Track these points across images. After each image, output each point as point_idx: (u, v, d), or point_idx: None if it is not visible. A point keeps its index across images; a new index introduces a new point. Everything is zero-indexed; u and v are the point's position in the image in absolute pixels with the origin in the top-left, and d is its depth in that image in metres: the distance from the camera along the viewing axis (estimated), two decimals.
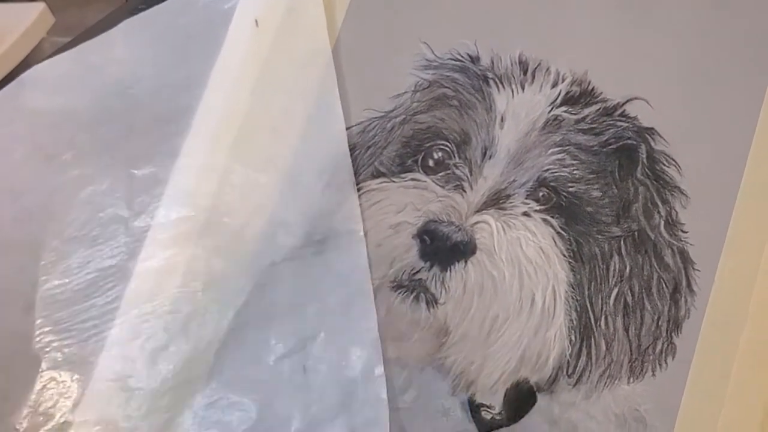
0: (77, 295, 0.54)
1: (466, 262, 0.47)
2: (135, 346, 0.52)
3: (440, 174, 0.50)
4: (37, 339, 0.53)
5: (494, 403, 0.45)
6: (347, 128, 0.54)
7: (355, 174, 0.52)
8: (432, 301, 0.47)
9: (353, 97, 0.55)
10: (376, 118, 0.53)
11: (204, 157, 0.56)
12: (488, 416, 0.44)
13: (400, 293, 0.48)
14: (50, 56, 0.67)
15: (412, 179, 0.51)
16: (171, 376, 0.50)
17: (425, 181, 0.50)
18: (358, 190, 0.52)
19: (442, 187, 0.50)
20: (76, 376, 0.52)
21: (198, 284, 0.52)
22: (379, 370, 0.46)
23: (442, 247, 0.48)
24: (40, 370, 0.52)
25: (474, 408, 0.44)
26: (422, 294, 0.47)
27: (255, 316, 0.51)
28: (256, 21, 0.59)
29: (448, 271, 0.47)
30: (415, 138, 0.52)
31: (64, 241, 0.57)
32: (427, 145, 0.51)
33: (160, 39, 0.63)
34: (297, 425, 0.47)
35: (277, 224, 0.52)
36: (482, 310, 0.46)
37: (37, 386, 0.52)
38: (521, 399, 0.44)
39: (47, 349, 0.53)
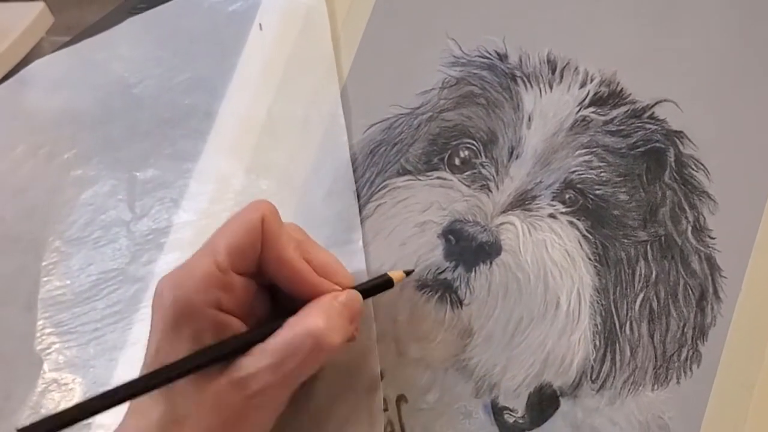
0: (78, 297, 0.55)
1: (491, 263, 0.47)
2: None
3: (466, 173, 0.50)
4: (39, 340, 0.53)
5: (517, 406, 0.45)
6: (373, 124, 0.53)
7: (381, 171, 0.52)
8: (456, 302, 0.47)
9: (379, 93, 0.54)
10: (402, 114, 0.53)
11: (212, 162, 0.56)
12: (511, 419, 0.44)
13: (424, 293, 0.48)
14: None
15: (438, 178, 0.50)
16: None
17: (451, 180, 0.50)
18: (384, 187, 0.51)
19: (468, 186, 0.49)
20: (78, 379, 0.52)
21: None
22: (376, 370, 0.47)
23: (468, 248, 0.48)
24: (42, 371, 0.52)
25: (497, 411, 0.45)
26: (447, 294, 0.47)
27: None
28: (260, 25, 0.58)
29: (473, 272, 0.47)
30: (442, 136, 0.52)
31: (65, 242, 0.57)
32: (454, 143, 0.51)
33: (164, 40, 0.63)
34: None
35: None
36: (506, 312, 0.46)
37: (39, 387, 0.52)
38: (544, 403, 0.44)
39: (49, 351, 0.53)
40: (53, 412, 0.38)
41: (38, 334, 0.54)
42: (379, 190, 0.51)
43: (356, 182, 0.52)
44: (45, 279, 0.56)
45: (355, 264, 0.49)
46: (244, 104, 0.57)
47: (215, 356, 0.40)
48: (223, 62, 0.61)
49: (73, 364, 0.52)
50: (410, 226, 0.49)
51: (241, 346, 0.40)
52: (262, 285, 0.43)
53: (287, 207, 0.53)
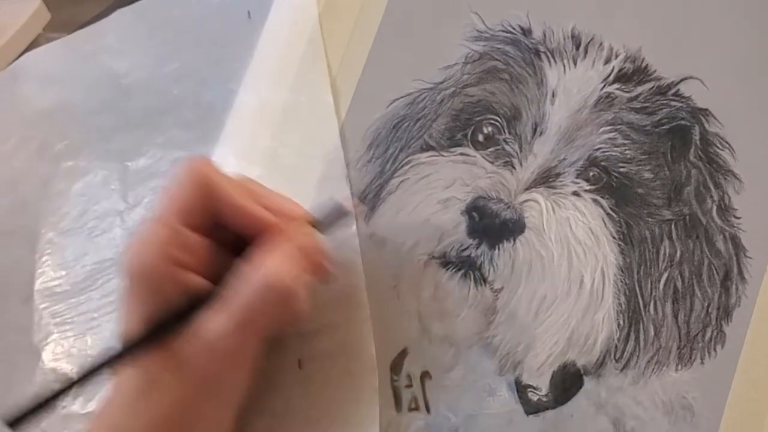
0: (74, 287, 0.55)
1: (514, 240, 0.47)
2: None
3: (490, 149, 0.50)
4: (37, 331, 0.54)
5: (541, 384, 0.45)
6: (396, 99, 0.53)
7: (405, 146, 0.52)
8: (480, 279, 0.47)
9: (402, 67, 0.54)
10: (425, 89, 0.53)
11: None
12: (535, 398, 0.44)
13: (448, 270, 0.48)
14: None
15: (462, 154, 0.50)
16: None
17: (475, 157, 0.50)
18: (407, 162, 0.51)
19: (492, 163, 0.49)
20: (76, 369, 0.53)
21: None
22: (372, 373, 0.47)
23: (491, 225, 0.48)
24: (41, 362, 0.53)
25: (521, 389, 0.45)
26: (470, 272, 0.47)
27: None
28: (249, 13, 0.58)
29: (497, 249, 0.47)
30: (465, 111, 0.51)
31: (59, 233, 0.57)
32: (477, 119, 0.51)
33: (153, 30, 0.63)
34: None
35: None
36: (530, 289, 0.46)
37: (39, 378, 0.52)
38: (568, 381, 0.44)
39: (47, 342, 0.54)
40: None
41: (35, 326, 0.54)
42: (402, 166, 0.51)
43: (379, 157, 0.52)
44: (40, 271, 0.56)
45: (349, 249, 0.49)
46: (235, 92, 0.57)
47: (176, 319, 0.40)
48: (212, 51, 0.61)
49: (71, 355, 0.53)
50: (433, 202, 0.49)
51: (202, 303, 0.40)
52: (227, 246, 0.43)
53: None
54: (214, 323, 0.40)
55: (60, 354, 0.53)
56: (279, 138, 0.54)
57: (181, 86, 0.60)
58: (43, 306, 0.55)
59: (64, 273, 0.56)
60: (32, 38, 0.75)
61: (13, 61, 0.69)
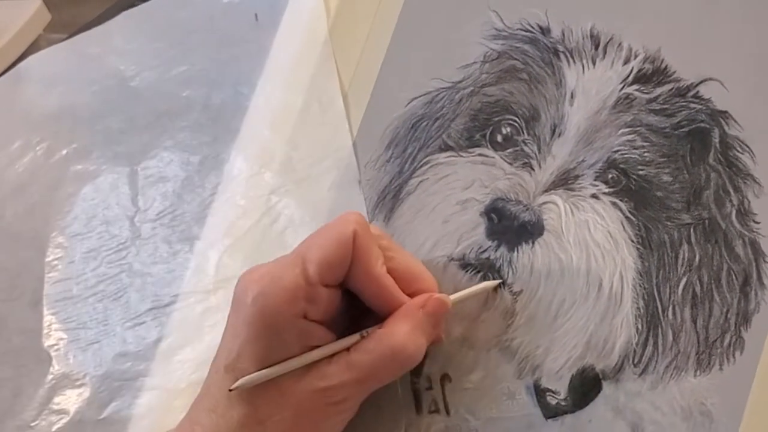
0: (84, 292, 0.55)
1: (533, 243, 0.47)
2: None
3: (508, 150, 0.50)
4: (47, 336, 0.54)
5: (560, 388, 0.45)
6: (414, 98, 0.53)
7: (423, 146, 0.52)
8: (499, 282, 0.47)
9: (420, 65, 0.54)
10: (443, 88, 0.53)
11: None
12: (554, 401, 0.45)
13: (467, 272, 0.48)
14: None
15: (480, 155, 0.50)
16: (185, 376, 0.50)
17: (493, 157, 0.50)
18: (426, 163, 0.51)
19: (510, 164, 0.49)
20: (89, 373, 0.52)
21: (209, 284, 0.52)
22: None
23: (510, 227, 0.48)
24: (51, 367, 0.53)
25: (539, 392, 0.45)
26: (489, 274, 0.48)
27: None
28: (256, 15, 0.58)
29: (516, 252, 0.47)
30: (484, 111, 0.51)
31: (68, 237, 0.57)
32: (496, 119, 0.51)
33: (160, 32, 0.63)
34: None
35: (285, 223, 0.53)
36: (549, 293, 0.47)
37: (49, 383, 0.52)
38: (587, 386, 0.45)
39: (57, 347, 0.54)
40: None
41: (45, 330, 0.54)
42: (421, 166, 0.51)
43: (398, 157, 0.52)
44: (49, 275, 0.56)
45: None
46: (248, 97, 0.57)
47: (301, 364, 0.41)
48: (221, 54, 0.61)
49: (83, 360, 0.53)
50: (452, 203, 0.49)
51: (327, 355, 0.41)
52: (344, 290, 0.43)
53: (292, 198, 0.53)
54: (336, 376, 0.41)
55: (71, 359, 0.53)
56: (292, 143, 0.54)
57: (189, 89, 0.60)
58: (52, 310, 0.55)
59: (74, 277, 0.56)
60: (32, 39, 0.75)
61: (14, 62, 0.69)
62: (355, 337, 0.42)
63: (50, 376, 0.52)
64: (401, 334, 0.41)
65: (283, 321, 0.41)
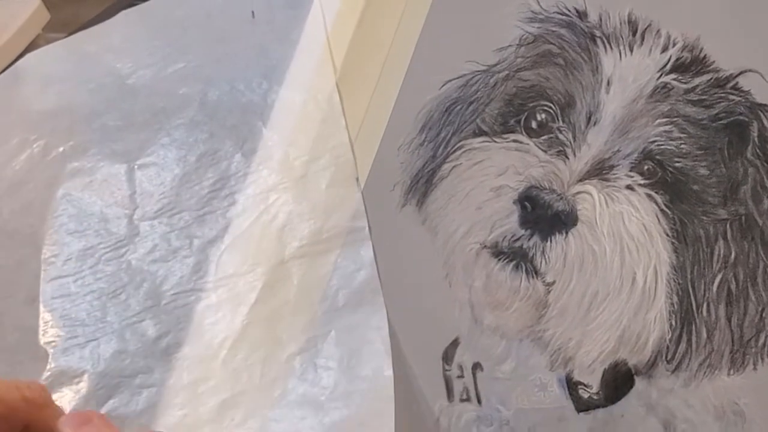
0: (82, 289, 0.54)
1: (566, 233, 0.47)
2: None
3: (543, 137, 0.49)
4: (43, 332, 0.53)
5: (592, 382, 0.45)
6: (448, 80, 0.52)
7: (457, 131, 0.51)
8: (532, 271, 0.47)
9: (455, 48, 0.53)
10: (478, 71, 0.52)
11: None
12: (586, 395, 0.45)
13: (500, 260, 0.47)
14: None
15: (515, 141, 0.50)
16: (185, 374, 0.50)
17: (528, 144, 0.49)
18: (460, 148, 0.51)
19: (545, 151, 0.49)
20: (85, 370, 0.52)
21: (209, 282, 0.51)
22: (388, 371, 0.47)
23: (543, 216, 0.47)
24: (48, 364, 0.52)
25: (571, 385, 0.45)
26: (522, 263, 0.47)
27: (265, 314, 0.50)
28: (253, 13, 0.58)
29: (549, 241, 0.47)
30: (519, 96, 0.51)
31: (65, 234, 0.56)
32: (531, 105, 0.50)
33: (157, 30, 0.62)
34: (309, 422, 0.47)
35: (284, 220, 0.52)
36: (582, 285, 0.46)
37: (46, 381, 0.52)
38: (619, 381, 0.45)
39: (54, 343, 0.53)
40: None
41: (42, 328, 0.53)
42: (454, 151, 0.50)
43: (432, 141, 0.51)
44: (45, 271, 0.55)
45: (363, 252, 0.49)
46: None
47: None
48: (217, 51, 0.60)
49: (81, 357, 0.52)
50: (486, 189, 0.48)
51: None
52: None
53: (290, 196, 0.53)
54: None
55: (69, 356, 0.53)
56: (289, 140, 0.54)
57: (186, 86, 0.60)
58: (49, 308, 0.55)
59: (70, 274, 0.56)
60: (31, 38, 0.74)
61: (13, 61, 0.68)
62: None
63: (47, 374, 0.51)
64: None
65: None
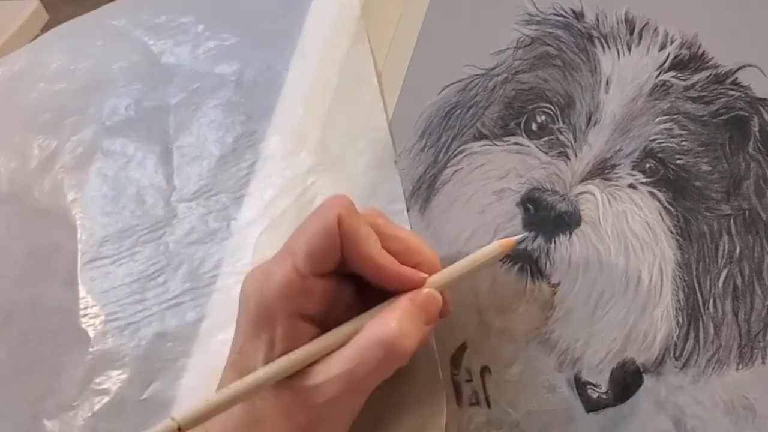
0: (120, 269, 0.54)
1: (570, 234, 0.47)
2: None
3: (544, 139, 0.49)
4: (83, 314, 0.53)
5: (600, 382, 0.45)
6: (447, 85, 0.52)
7: (457, 135, 0.51)
8: (537, 273, 0.47)
9: (452, 52, 0.53)
10: (477, 75, 0.52)
11: None
12: (595, 395, 0.45)
13: (505, 263, 0.47)
14: None
15: (515, 143, 0.50)
16: (225, 357, 0.50)
17: (528, 146, 0.49)
18: (461, 152, 0.51)
19: (546, 153, 0.49)
20: (127, 354, 0.52)
21: (248, 264, 0.52)
22: None
23: (547, 217, 0.47)
24: (90, 346, 0.52)
25: (580, 386, 0.45)
26: (527, 265, 0.47)
27: None
28: None
29: (553, 243, 0.47)
30: (518, 99, 0.51)
31: (101, 215, 0.56)
32: (530, 107, 0.50)
33: (190, 8, 0.62)
34: None
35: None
36: (588, 285, 0.46)
37: (88, 363, 0.52)
38: (627, 379, 0.45)
39: (94, 325, 0.53)
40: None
41: (82, 310, 0.53)
42: (455, 155, 0.50)
43: (432, 146, 0.51)
44: (83, 253, 0.55)
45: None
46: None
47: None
48: (252, 31, 0.60)
49: (122, 340, 0.52)
50: (488, 193, 0.49)
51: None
52: (344, 275, 0.42)
53: (328, 179, 0.53)
54: (323, 372, 0.40)
55: (109, 338, 0.53)
56: (326, 122, 0.54)
57: (221, 66, 0.59)
58: (88, 289, 0.55)
59: (108, 255, 0.56)
60: (30, 39, 0.75)
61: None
62: (345, 329, 0.41)
63: (89, 356, 0.51)
64: (389, 325, 0.39)
65: (275, 319, 0.40)
